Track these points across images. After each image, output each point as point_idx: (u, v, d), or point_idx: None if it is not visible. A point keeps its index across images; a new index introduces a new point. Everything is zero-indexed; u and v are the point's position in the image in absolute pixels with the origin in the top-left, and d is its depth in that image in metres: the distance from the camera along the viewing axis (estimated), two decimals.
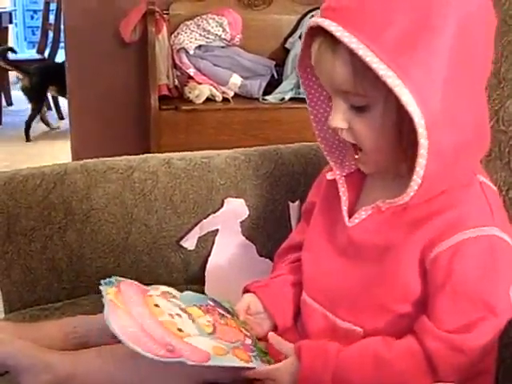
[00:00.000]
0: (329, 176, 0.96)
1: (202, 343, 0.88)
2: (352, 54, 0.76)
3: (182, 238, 1.28)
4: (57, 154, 3.86)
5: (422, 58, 0.74)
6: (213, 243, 1.30)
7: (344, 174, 0.95)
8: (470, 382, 0.83)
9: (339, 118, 0.83)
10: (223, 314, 1.00)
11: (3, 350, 0.92)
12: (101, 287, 0.91)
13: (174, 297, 0.97)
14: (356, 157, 0.88)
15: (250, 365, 0.89)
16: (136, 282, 0.97)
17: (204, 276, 1.28)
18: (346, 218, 0.91)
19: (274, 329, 1.02)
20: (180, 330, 0.89)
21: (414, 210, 0.84)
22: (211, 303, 1.02)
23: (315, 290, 0.98)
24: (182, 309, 0.95)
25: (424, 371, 0.81)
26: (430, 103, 0.74)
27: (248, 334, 0.98)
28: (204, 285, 1.26)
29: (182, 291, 1.15)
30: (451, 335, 0.80)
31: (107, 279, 0.94)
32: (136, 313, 0.88)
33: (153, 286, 0.98)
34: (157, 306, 0.92)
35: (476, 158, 0.86)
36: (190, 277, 1.30)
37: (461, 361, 0.80)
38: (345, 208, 0.92)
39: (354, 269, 0.90)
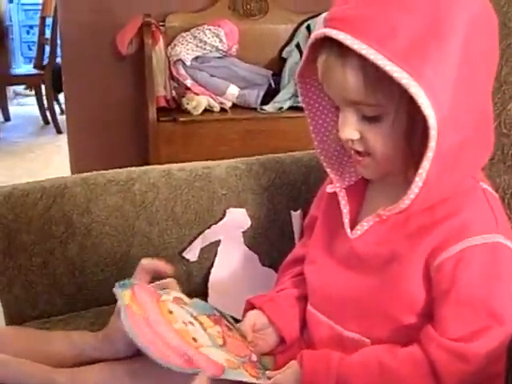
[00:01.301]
0: (329, 189, 0.95)
1: (215, 355, 0.86)
2: (363, 63, 0.75)
3: (184, 249, 1.27)
4: (55, 168, 3.86)
5: (434, 59, 0.74)
6: (215, 254, 1.29)
7: (344, 186, 0.94)
8: None
9: (350, 129, 0.82)
10: (229, 327, 0.99)
11: (11, 373, 0.91)
12: (115, 290, 0.88)
13: (186, 303, 0.95)
14: (359, 161, 0.86)
15: (259, 381, 0.87)
16: (149, 285, 0.95)
17: (207, 287, 1.27)
18: (348, 231, 0.91)
19: (281, 343, 1.01)
20: (195, 339, 0.86)
21: (416, 219, 0.84)
22: (217, 313, 1.01)
23: (320, 301, 0.97)
24: (193, 317, 0.92)
25: (427, 379, 0.80)
26: (442, 104, 0.74)
27: (252, 349, 0.96)
28: (207, 296, 1.25)
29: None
30: (455, 343, 0.79)
31: (121, 282, 0.90)
32: (153, 319, 0.85)
33: (165, 291, 0.95)
34: (171, 312, 0.89)
35: (478, 162, 0.86)
36: (193, 288, 1.29)
37: (464, 369, 0.79)
38: (346, 220, 0.92)
39: (357, 280, 0.90)
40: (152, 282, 0.98)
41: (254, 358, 0.94)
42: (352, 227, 0.91)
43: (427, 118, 0.73)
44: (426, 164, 0.76)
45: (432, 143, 0.74)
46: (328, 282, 0.95)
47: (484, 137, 0.84)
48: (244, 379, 0.85)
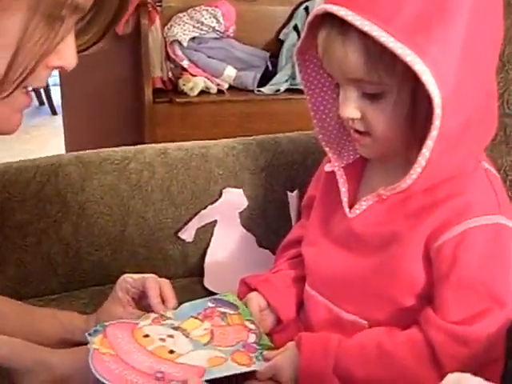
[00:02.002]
0: (327, 168, 0.94)
1: (196, 358, 0.86)
2: (365, 40, 0.73)
3: (179, 229, 1.26)
4: (51, 150, 3.83)
5: (438, 37, 0.72)
6: (211, 234, 1.28)
7: (343, 165, 0.93)
8: (480, 371, 0.81)
9: (351, 107, 0.80)
10: (225, 313, 0.98)
11: (5, 353, 0.90)
12: (87, 337, 0.90)
13: (168, 318, 0.95)
14: (359, 140, 0.85)
15: (252, 367, 0.87)
16: (125, 320, 0.94)
17: (203, 268, 1.27)
18: (347, 210, 0.89)
19: (278, 323, 1.00)
20: (172, 351, 0.87)
21: (417, 199, 0.82)
22: (211, 305, 1.00)
23: (318, 282, 0.96)
24: (175, 327, 0.93)
25: (427, 362, 0.79)
26: (446, 83, 0.72)
27: (253, 327, 0.96)
28: (203, 276, 1.25)
29: (181, 284, 1.14)
30: (454, 326, 0.78)
31: (92, 329, 0.91)
32: (123, 352, 0.86)
33: (144, 316, 0.96)
34: (146, 336, 0.90)
35: (481, 142, 0.84)
36: (189, 269, 1.28)
37: (464, 352, 0.78)
38: (345, 199, 0.90)
39: (356, 261, 0.88)
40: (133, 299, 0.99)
41: (252, 338, 0.94)
42: (350, 206, 0.90)
43: (432, 96, 0.72)
44: (429, 143, 0.74)
45: (436, 122, 0.73)
46: (326, 262, 0.94)
47: (488, 117, 0.82)
48: (231, 372, 0.85)
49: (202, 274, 1.26)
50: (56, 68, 0.65)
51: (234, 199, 1.27)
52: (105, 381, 0.81)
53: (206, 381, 0.82)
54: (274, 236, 1.26)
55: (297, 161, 1.30)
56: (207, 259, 1.27)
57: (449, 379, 0.58)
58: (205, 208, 1.27)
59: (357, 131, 0.83)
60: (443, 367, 0.78)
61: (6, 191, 1.17)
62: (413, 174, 0.78)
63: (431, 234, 0.80)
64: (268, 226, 1.30)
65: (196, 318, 0.96)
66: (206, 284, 1.22)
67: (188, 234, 1.26)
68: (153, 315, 0.95)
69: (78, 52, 0.67)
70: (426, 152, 0.75)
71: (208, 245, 1.28)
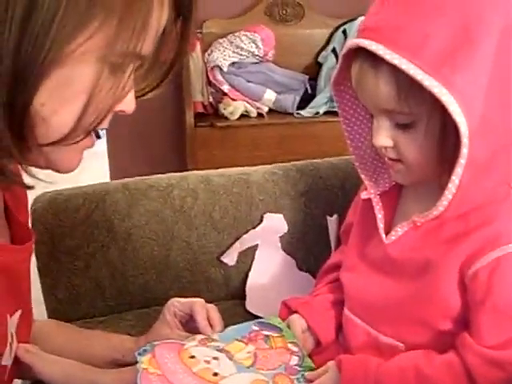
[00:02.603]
0: (363, 195, 0.97)
1: (239, 381, 0.89)
2: (395, 72, 0.76)
3: (222, 253, 1.29)
4: (92, 173, 3.89)
5: (464, 67, 0.75)
6: (253, 258, 1.31)
7: (378, 192, 0.96)
8: None
9: (384, 136, 0.83)
10: (268, 336, 1.00)
11: (61, 374, 0.93)
12: (136, 356, 0.93)
13: (213, 340, 0.98)
14: (392, 166, 0.87)
15: None
16: (172, 340, 0.98)
17: (245, 291, 1.29)
18: (383, 236, 0.92)
19: (317, 345, 1.02)
20: (216, 374, 0.90)
21: (450, 226, 0.84)
22: (255, 328, 1.02)
23: (356, 306, 0.98)
24: (219, 350, 0.96)
25: None
26: (473, 112, 0.75)
27: (296, 349, 0.98)
28: (245, 299, 1.27)
29: (223, 307, 1.16)
30: (490, 351, 0.80)
31: (142, 349, 0.94)
32: (169, 372, 0.89)
33: (191, 337, 0.98)
34: (192, 357, 0.93)
35: (510, 168, 0.86)
36: (231, 292, 1.31)
37: (500, 375, 0.79)
38: (381, 225, 0.93)
39: (392, 285, 0.91)
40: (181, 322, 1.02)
41: (295, 361, 0.96)
42: (386, 233, 0.92)
43: (458, 126, 0.74)
44: (458, 170, 0.77)
45: (464, 150, 0.75)
46: (363, 287, 0.96)
47: None
48: None
49: (243, 297, 1.28)
50: (118, 112, 0.68)
51: (275, 224, 1.30)
52: None
53: None
54: (314, 260, 1.29)
55: (336, 185, 1.32)
56: (249, 282, 1.30)
57: None
58: (246, 232, 1.29)
59: (390, 159, 0.86)
60: None
61: (56, 218, 1.22)
62: (444, 201, 0.80)
63: (465, 261, 0.82)
64: (308, 249, 1.32)
65: (240, 340, 0.98)
66: (248, 307, 1.25)
67: (230, 258, 1.29)
68: (199, 337, 0.98)
69: (138, 97, 0.70)
70: (455, 179, 0.78)
71: (249, 268, 1.31)
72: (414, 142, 0.82)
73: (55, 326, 1.10)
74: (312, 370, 0.94)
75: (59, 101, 0.61)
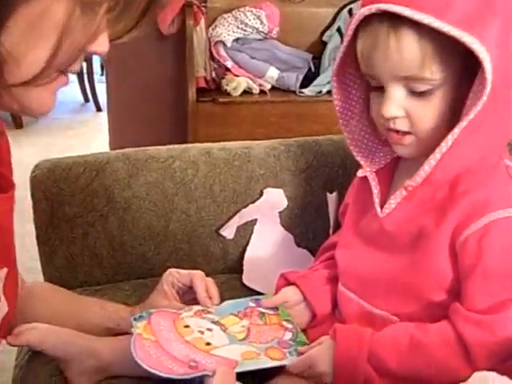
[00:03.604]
0: (359, 173, 0.97)
1: (230, 352, 0.91)
2: (419, 36, 0.76)
3: (221, 226, 1.29)
4: (95, 146, 3.90)
5: (492, 28, 0.76)
6: (251, 233, 1.31)
7: (374, 169, 0.96)
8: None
9: (396, 107, 0.82)
10: (264, 313, 1.01)
11: (54, 342, 0.94)
12: (132, 321, 0.95)
13: (209, 312, 0.99)
14: (400, 140, 0.87)
15: (284, 362, 0.90)
16: (169, 310, 0.99)
17: (242, 265, 1.29)
18: (379, 210, 0.92)
19: (313, 318, 1.03)
20: (208, 343, 0.92)
21: (440, 193, 0.85)
22: (252, 304, 1.04)
23: (350, 281, 0.99)
24: (214, 322, 0.97)
25: (457, 351, 0.82)
26: (499, 71, 0.76)
27: (290, 326, 0.99)
28: (242, 273, 1.28)
29: (220, 280, 1.17)
30: (479, 315, 0.81)
31: (138, 315, 0.96)
32: (163, 339, 0.91)
33: (187, 308, 1.00)
34: (187, 326, 0.95)
35: (502, 137, 0.86)
36: (229, 265, 1.31)
37: (491, 340, 0.81)
38: (377, 200, 0.93)
39: (386, 259, 0.92)
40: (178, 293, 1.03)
41: (288, 336, 0.97)
42: (382, 208, 0.93)
43: (486, 84, 0.75)
44: (456, 131, 0.78)
45: (485, 97, 0.76)
46: (357, 261, 0.97)
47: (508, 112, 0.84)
48: (262, 366, 0.89)
49: (241, 271, 1.28)
50: (91, 53, 0.66)
51: (274, 199, 1.30)
52: (142, 364, 0.86)
53: (238, 374, 0.86)
54: (312, 236, 1.29)
55: (337, 162, 1.32)
56: (246, 256, 1.30)
57: (475, 377, 0.60)
58: (246, 207, 1.29)
59: (397, 131, 0.85)
60: (472, 355, 0.81)
61: (56, 185, 1.22)
62: (431, 159, 0.81)
63: (455, 229, 0.83)
64: (306, 226, 1.32)
65: (236, 315, 1.00)
66: (245, 280, 1.25)
67: (229, 232, 1.29)
68: (195, 308, 0.99)
69: (112, 40, 0.68)
70: (449, 139, 0.78)
71: (248, 242, 1.31)
72: (428, 109, 0.82)
73: (51, 289, 1.10)
74: (305, 345, 0.95)
75: (30, 39, 0.59)
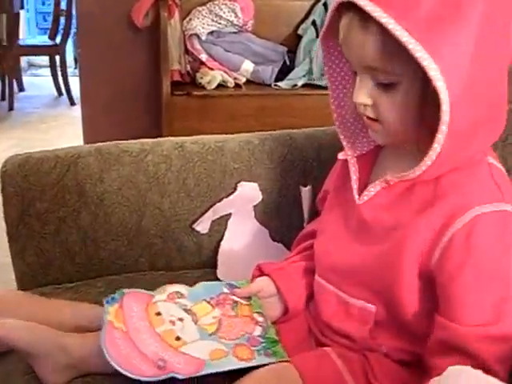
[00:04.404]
0: (340, 156, 0.97)
1: (199, 349, 0.90)
2: (382, 31, 0.76)
3: (194, 221, 1.28)
4: (69, 140, 3.87)
5: (450, 36, 0.74)
6: (226, 227, 1.30)
7: (356, 154, 0.96)
8: None
9: (364, 94, 0.83)
10: (237, 302, 1.01)
11: (25, 337, 0.93)
12: (104, 304, 0.94)
13: (182, 296, 0.99)
14: (370, 125, 0.87)
15: (251, 363, 0.90)
16: (142, 291, 0.98)
17: (216, 259, 1.28)
18: (356, 196, 0.92)
19: (285, 312, 1.03)
20: (178, 338, 0.91)
21: (422, 188, 0.85)
22: (226, 290, 1.03)
23: (325, 269, 0.99)
24: (186, 310, 0.96)
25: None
26: (456, 80, 0.75)
27: (261, 320, 0.98)
28: (216, 268, 1.27)
29: (194, 275, 1.16)
30: (488, 328, 0.79)
31: (110, 296, 0.95)
32: (133, 329, 0.91)
33: (160, 289, 0.99)
34: (159, 314, 0.94)
35: (489, 139, 0.86)
36: (203, 260, 1.30)
37: (505, 348, 0.79)
38: (355, 186, 0.93)
39: (362, 248, 0.91)
40: None
41: (258, 331, 0.96)
42: (360, 195, 0.92)
43: (438, 91, 0.74)
44: (440, 138, 0.77)
45: (445, 117, 0.75)
46: (333, 251, 0.97)
47: (497, 115, 0.84)
48: (228, 368, 0.88)
49: (215, 266, 1.27)
50: None
51: (249, 193, 1.29)
52: (111, 361, 0.85)
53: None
54: (287, 230, 1.29)
55: (311, 156, 1.31)
56: (221, 251, 1.29)
57: (450, 372, 0.59)
58: (220, 201, 1.28)
59: (369, 118, 0.86)
60: (497, 372, 0.78)
61: (26, 180, 1.20)
62: (422, 166, 0.80)
63: (439, 229, 0.82)
64: (281, 220, 1.31)
65: (208, 302, 0.99)
66: (219, 275, 1.24)
67: (203, 226, 1.28)
68: (169, 289, 0.99)
69: None
70: (437, 147, 0.77)
71: (222, 237, 1.30)
72: (393, 103, 0.82)
73: (23, 296, 1.09)
74: (274, 342, 0.95)
75: None
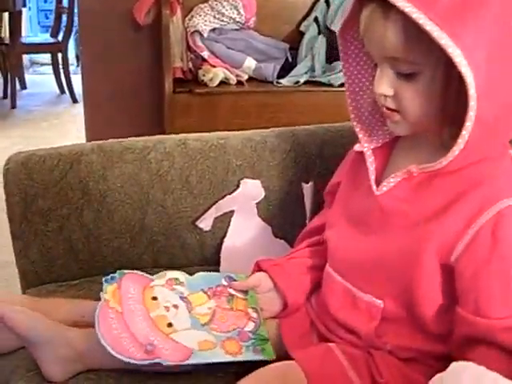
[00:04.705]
0: (357, 148, 0.97)
1: (189, 338, 0.91)
2: (405, 21, 0.76)
3: (197, 218, 1.28)
4: (71, 137, 3.87)
5: (473, 22, 0.75)
6: (229, 224, 1.30)
7: (372, 146, 0.96)
8: None
9: (386, 85, 0.84)
10: (233, 296, 1.01)
11: (27, 322, 0.93)
12: (103, 283, 0.95)
13: (181, 283, 0.99)
14: (390, 116, 0.87)
15: (237, 358, 0.90)
16: (141, 273, 0.99)
17: (219, 256, 1.29)
18: (374, 187, 0.91)
19: (285, 307, 1.03)
20: (170, 324, 0.92)
21: (443, 180, 0.84)
22: (224, 282, 1.03)
23: (336, 262, 0.98)
24: (183, 298, 0.97)
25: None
26: (480, 67, 0.75)
27: (255, 316, 0.99)
28: (219, 265, 1.27)
29: (197, 271, 1.16)
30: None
31: (111, 275, 0.96)
32: (128, 311, 0.92)
33: (160, 274, 1.00)
34: (155, 298, 0.95)
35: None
36: (206, 257, 1.30)
37: None
38: (373, 177, 0.93)
39: (374, 239, 0.91)
40: None
41: (250, 327, 0.97)
42: (378, 186, 0.92)
43: (464, 77, 0.74)
44: (468, 125, 0.77)
45: (472, 103, 0.75)
46: (343, 241, 0.97)
47: None
48: (214, 360, 0.89)
49: (218, 263, 1.28)
50: None
51: (252, 190, 1.29)
52: (102, 339, 0.86)
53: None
54: (290, 227, 1.29)
55: (313, 153, 1.31)
56: (224, 248, 1.29)
57: (453, 368, 0.59)
58: (223, 198, 1.29)
59: (388, 109, 0.86)
60: None
61: (29, 178, 1.20)
62: (450, 157, 0.80)
63: (466, 222, 0.81)
64: (284, 216, 1.31)
65: (205, 292, 1.00)
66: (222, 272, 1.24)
67: (206, 223, 1.28)
68: (168, 274, 1.00)
69: None
70: (465, 134, 0.77)
71: (225, 234, 1.30)
72: (414, 93, 0.82)
73: (24, 298, 1.10)
74: (264, 340, 0.95)
75: None
